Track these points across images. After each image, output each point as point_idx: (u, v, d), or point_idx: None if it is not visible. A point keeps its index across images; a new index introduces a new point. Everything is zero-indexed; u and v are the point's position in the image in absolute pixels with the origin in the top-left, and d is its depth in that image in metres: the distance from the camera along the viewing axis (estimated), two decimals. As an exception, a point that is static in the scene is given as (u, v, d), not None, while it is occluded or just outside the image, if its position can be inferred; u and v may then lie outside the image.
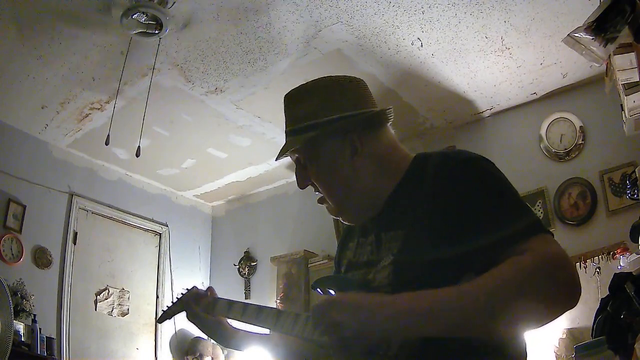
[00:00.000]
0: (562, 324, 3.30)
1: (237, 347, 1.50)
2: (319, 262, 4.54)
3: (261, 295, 4.90)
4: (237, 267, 5.15)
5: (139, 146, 3.34)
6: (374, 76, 3.59)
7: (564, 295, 0.96)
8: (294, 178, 1.27)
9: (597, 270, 3.30)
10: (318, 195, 1.27)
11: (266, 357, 1.53)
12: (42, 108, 3.98)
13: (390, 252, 1.13)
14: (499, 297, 0.95)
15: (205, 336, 1.53)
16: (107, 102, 3.91)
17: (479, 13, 3.14)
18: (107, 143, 3.28)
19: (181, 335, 4.82)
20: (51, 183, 4.35)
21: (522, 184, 3.56)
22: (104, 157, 4.66)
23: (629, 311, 2.48)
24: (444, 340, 1.00)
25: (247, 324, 1.40)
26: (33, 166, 4.25)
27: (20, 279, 3.87)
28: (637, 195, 3.10)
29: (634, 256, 2.90)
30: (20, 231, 4.01)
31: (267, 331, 1.42)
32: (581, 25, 2.14)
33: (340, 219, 1.28)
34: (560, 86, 3.85)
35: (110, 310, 4.54)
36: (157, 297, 4.88)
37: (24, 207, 4.08)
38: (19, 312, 3.69)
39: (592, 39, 2.11)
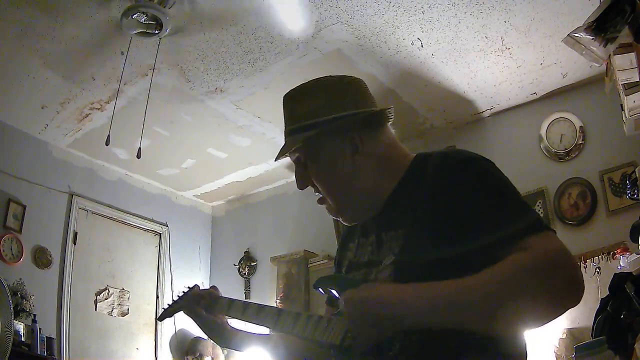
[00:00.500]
0: (562, 324, 3.30)
1: (236, 348, 1.50)
2: (319, 262, 4.54)
3: (261, 295, 4.90)
4: (237, 267, 5.15)
5: (139, 148, 3.33)
6: (374, 76, 3.59)
7: (565, 292, 0.96)
8: (294, 178, 1.27)
9: (597, 270, 3.30)
10: (318, 195, 1.27)
11: (266, 358, 1.52)
12: (42, 108, 3.98)
13: (391, 252, 1.13)
14: (498, 293, 0.95)
15: (205, 336, 1.52)
16: (107, 102, 3.91)
17: (479, 13, 3.14)
18: (107, 143, 3.28)
19: (181, 335, 4.82)
20: (51, 183, 4.35)
21: (522, 184, 3.56)
22: (104, 157, 4.66)
23: (629, 311, 2.48)
24: (444, 341, 1.00)
25: (247, 324, 1.39)
26: (33, 166, 4.25)
27: (20, 279, 3.87)
28: (637, 195, 3.09)
29: (634, 256, 2.90)
30: (20, 231, 4.01)
31: (266, 331, 1.42)
32: (581, 25, 2.13)
33: (340, 219, 1.28)
34: (560, 86, 3.85)
35: (110, 310, 4.54)
36: (157, 297, 4.88)
37: (24, 207, 4.08)
38: (19, 312, 3.69)
39: (592, 39, 2.11)
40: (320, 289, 1.21)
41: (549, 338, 3.31)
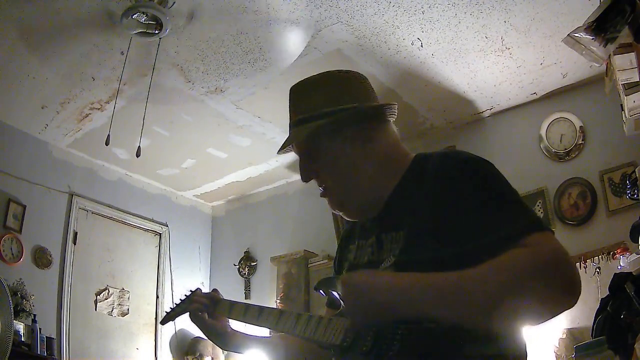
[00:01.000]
0: (562, 324, 3.30)
1: (236, 350, 1.50)
2: (319, 262, 4.54)
3: (261, 295, 4.90)
4: (237, 267, 5.15)
5: (139, 146, 3.34)
6: (374, 76, 3.59)
7: (562, 290, 0.96)
8: (294, 178, 1.28)
9: (597, 270, 3.30)
10: (318, 194, 1.27)
11: (265, 359, 1.53)
12: (42, 108, 3.98)
13: (391, 253, 1.14)
14: (495, 285, 0.96)
15: (204, 336, 1.53)
16: (107, 102, 3.91)
17: (479, 13, 3.14)
18: (107, 143, 3.28)
19: (181, 335, 4.83)
20: (51, 183, 4.35)
21: (522, 184, 3.56)
22: (104, 157, 4.66)
23: (629, 311, 2.48)
24: (443, 341, 1.00)
25: (248, 325, 1.40)
26: (33, 166, 4.25)
27: (20, 279, 3.87)
28: (637, 195, 3.09)
29: (634, 256, 2.90)
30: (20, 231, 4.01)
31: (266, 333, 1.42)
32: (581, 25, 2.13)
33: (341, 213, 1.28)
34: (560, 86, 3.85)
35: (110, 310, 4.54)
36: (157, 297, 4.88)
37: (24, 207, 4.08)
38: (19, 312, 3.69)
39: (592, 39, 2.11)
40: (321, 291, 1.21)
41: (549, 338, 3.31)
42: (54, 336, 3.95)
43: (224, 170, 4.94)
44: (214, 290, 1.55)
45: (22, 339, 3.60)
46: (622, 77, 2.55)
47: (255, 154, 4.65)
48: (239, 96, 3.92)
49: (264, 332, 1.54)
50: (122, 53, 3.38)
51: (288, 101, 1.29)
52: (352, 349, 1.08)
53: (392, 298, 1.02)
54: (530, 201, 3.73)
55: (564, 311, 0.99)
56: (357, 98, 1.23)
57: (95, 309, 4.44)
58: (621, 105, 2.85)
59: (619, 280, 2.65)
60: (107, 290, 4.56)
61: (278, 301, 4.60)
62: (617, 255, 3.19)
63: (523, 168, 3.82)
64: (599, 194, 3.59)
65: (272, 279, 4.84)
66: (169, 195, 5.26)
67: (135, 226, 4.92)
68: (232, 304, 1.47)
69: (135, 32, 3.07)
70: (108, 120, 3.74)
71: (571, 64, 3.58)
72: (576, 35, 2.16)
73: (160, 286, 4.93)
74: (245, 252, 5.18)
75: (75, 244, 4.40)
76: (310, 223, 4.77)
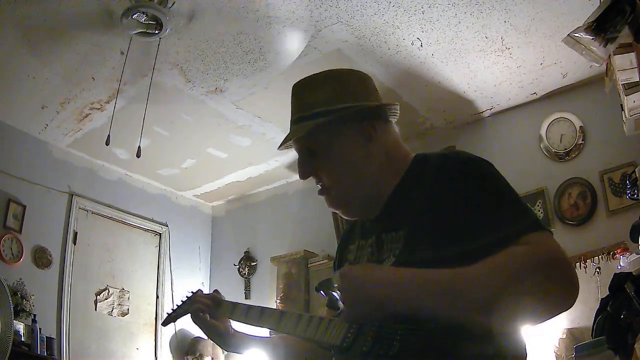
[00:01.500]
0: (562, 324, 3.30)
1: (238, 350, 1.50)
2: (319, 262, 4.54)
3: (261, 295, 4.90)
4: (237, 267, 5.15)
5: (139, 146, 3.34)
6: (374, 76, 3.53)
7: (559, 289, 0.97)
8: (294, 178, 1.28)
9: (597, 270, 3.30)
10: (318, 194, 1.27)
11: (265, 359, 1.53)
12: (42, 108, 3.98)
13: (391, 253, 1.14)
14: (493, 282, 0.96)
15: (205, 336, 1.53)
16: (107, 102, 3.91)
17: (479, 13, 3.14)
18: (107, 143, 3.28)
19: (181, 335, 4.82)
20: (51, 183, 4.35)
21: (522, 184, 3.56)
22: (104, 157, 4.66)
23: (629, 311, 2.48)
24: (443, 341, 1.00)
25: (249, 326, 1.40)
26: (33, 166, 4.25)
27: (20, 279, 3.87)
28: (637, 195, 3.10)
29: (634, 256, 2.90)
30: (20, 231, 4.01)
31: (267, 334, 1.42)
32: (581, 25, 2.13)
33: (340, 211, 1.27)
34: (560, 86, 3.85)
35: (110, 310, 4.54)
36: (157, 297, 4.88)
37: (24, 207, 4.08)
38: (19, 312, 3.69)
39: (592, 39, 2.11)
40: (321, 292, 1.21)
41: (549, 338, 3.31)
42: (54, 336, 3.94)
43: (224, 170, 4.94)
44: (215, 291, 1.56)
45: (22, 339, 3.60)
46: (622, 77, 2.55)
47: (255, 154, 4.65)
48: (239, 96, 3.92)
49: (264, 332, 1.54)
50: (122, 53, 3.38)
51: (290, 98, 1.29)
52: (352, 349, 1.08)
53: (389, 291, 1.02)
54: (530, 201, 3.73)
55: (561, 312, 0.99)
56: (359, 97, 1.24)
57: (95, 309, 4.44)
58: (621, 105, 2.85)
59: (619, 280, 2.65)
60: (107, 290, 4.56)
61: (278, 301, 4.60)
62: (617, 255, 3.19)
63: (523, 168, 3.82)
64: (599, 194, 3.59)
65: (272, 279, 4.84)
66: (169, 195, 5.26)
67: (135, 226, 4.92)
68: (234, 305, 1.47)
69: (135, 32, 3.07)
70: (108, 121, 3.74)
71: (571, 64, 3.58)
72: (576, 35, 2.16)
73: (160, 286, 4.93)
74: (245, 252, 5.18)
75: (75, 244, 4.40)
76: (310, 223, 4.77)
